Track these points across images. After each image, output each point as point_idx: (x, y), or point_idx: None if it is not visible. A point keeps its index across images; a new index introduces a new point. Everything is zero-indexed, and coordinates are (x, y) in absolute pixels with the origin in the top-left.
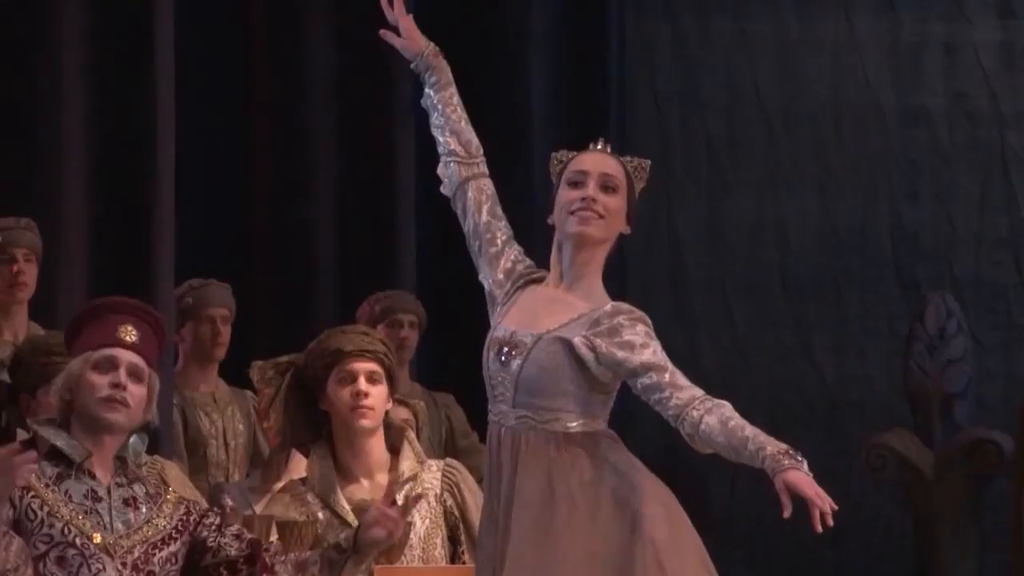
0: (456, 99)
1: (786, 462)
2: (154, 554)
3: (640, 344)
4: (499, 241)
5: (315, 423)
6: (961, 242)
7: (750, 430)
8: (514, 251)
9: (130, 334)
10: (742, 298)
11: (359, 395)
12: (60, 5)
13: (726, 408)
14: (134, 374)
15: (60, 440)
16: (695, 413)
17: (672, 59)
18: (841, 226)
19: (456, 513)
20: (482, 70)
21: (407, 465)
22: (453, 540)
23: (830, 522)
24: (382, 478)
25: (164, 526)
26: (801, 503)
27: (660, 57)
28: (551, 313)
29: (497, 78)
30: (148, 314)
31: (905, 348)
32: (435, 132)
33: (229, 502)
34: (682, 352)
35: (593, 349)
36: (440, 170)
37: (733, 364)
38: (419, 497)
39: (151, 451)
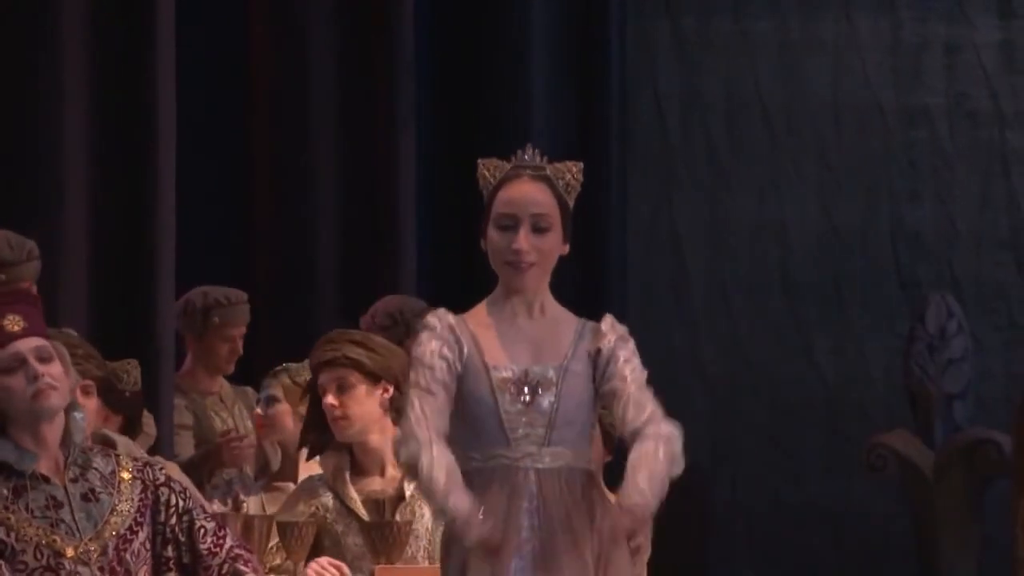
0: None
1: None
2: (125, 549)
3: (623, 357)
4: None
5: (321, 425)
6: (962, 242)
7: (643, 469)
8: (441, 377)
9: (16, 323)
10: (743, 298)
11: (330, 408)
12: (60, 8)
13: (651, 445)
14: (41, 357)
15: (4, 451)
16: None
17: (673, 60)
18: (842, 226)
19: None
20: (485, 70)
21: None
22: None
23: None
24: (394, 471)
25: (128, 511)
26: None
27: (661, 58)
28: (546, 344)
29: (500, 76)
30: (16, 294)
31: (905, 348)
32: None
33: (241, 496)
34: (683, 352)
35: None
36: None
37: (734, 364)
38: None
39: (152, 453)
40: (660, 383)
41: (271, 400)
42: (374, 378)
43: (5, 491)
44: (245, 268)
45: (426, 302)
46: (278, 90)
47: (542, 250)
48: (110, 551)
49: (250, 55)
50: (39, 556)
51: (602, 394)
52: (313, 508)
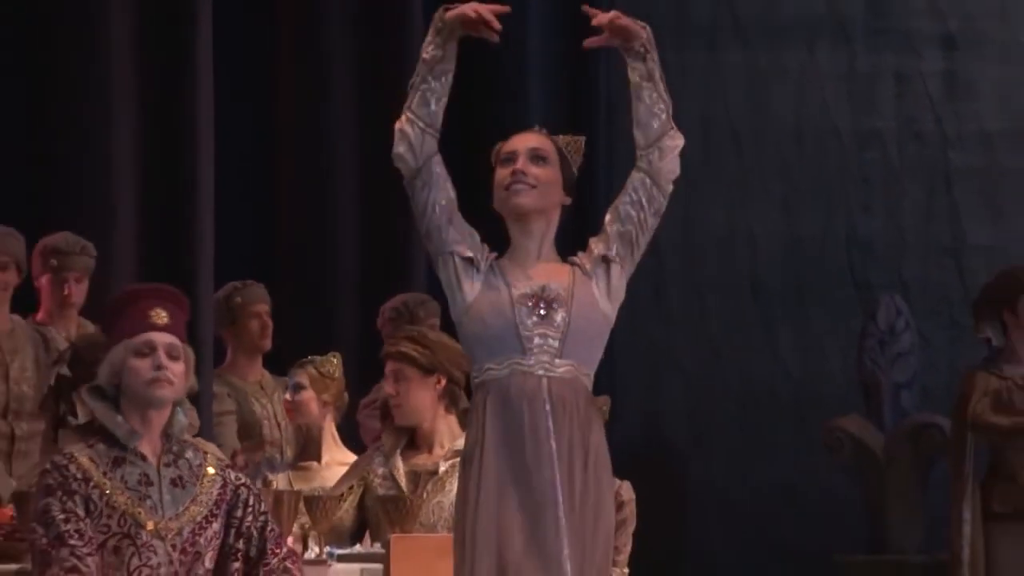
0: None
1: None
2: (200, 534)
3: (607, 223)
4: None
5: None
6: (909, 250)
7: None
8: (471, 242)
9: (161, 317)
10: (715, 299)
11: (389, 396)
12: (109, 34)
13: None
14: (171, 353)
15: (111, 422)
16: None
17: None
18: (803, 236)
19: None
20: (488, 108)
21: (462, 441)
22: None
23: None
24: (440, 451)
25: (206, 502)
26: None
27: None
28: (555, 274)
29: (500, 114)
30: (172, 294)
31: (859, 343)
32: (428, 96)
33: (269, 476)
34: (662, 346)
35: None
36: (412, 136)
37: (707, 360)
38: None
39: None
40: (641, 374)
41: (297, 388)
42: (426, 371)
43: (107, 459)
44: (274, 272)
45: (431, 296)
46: (302, 106)
47: (539, 176)
48: (185, 533)
49: (276, 68)
50: (122, 523)
51: (629, 204)
52: (364, 473)
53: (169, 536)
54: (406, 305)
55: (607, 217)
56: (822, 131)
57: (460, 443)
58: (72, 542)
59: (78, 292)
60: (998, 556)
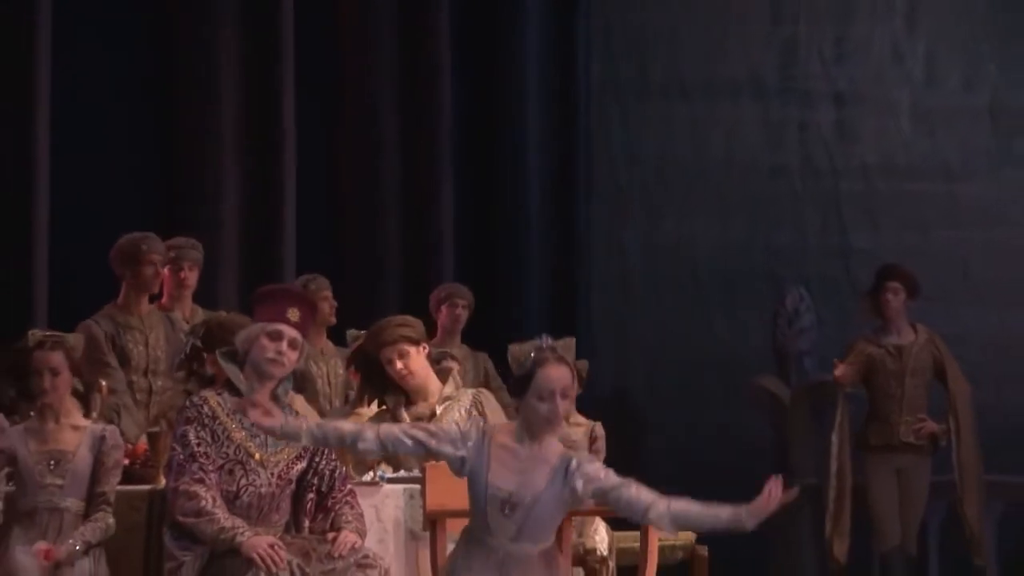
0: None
1: (744, 516)
2: (291, 468)
3: (604, 474)
4: (434, 445)
5: (376, 381)
6: (809, 254)
7: (709, 507)
8: (446, 437)
9: (294, 315)
10: (667, 290)
11: (399, 371)
12: (217, 57)
13: (674, 500)
14: (292, 345)
15: (236, 379)
16: (661, 505)
17: (622, 132)
18: (732, 243)
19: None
20: (495, 154)
21: (448, 390)
22: None
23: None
24: (432, 399)
25: (297, 447)
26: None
27: (615, 131)
28: (532, 474)
29: (504, 153)
30: (308, 301)
31: (773, 322)
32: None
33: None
34: (627, 326)
35: (579, 493)
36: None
37: (661, 335)
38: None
39: None
40: (610, 345)
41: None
42: (416, 343)
43: (230, 405)
44: (336, 265)
45: (465, 284)
46: (358, 126)
47: (567, 408)
48: (281, 465)
49: (342, 96)
50: (237, 453)
51: (608, 500)
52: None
53: (269, 466)
54: (452, 295)
55: (595, 488)
56: (745, 165)
57: (446, 390)
58: (201, 460)
59: (191, 278)
60: (872, 477)
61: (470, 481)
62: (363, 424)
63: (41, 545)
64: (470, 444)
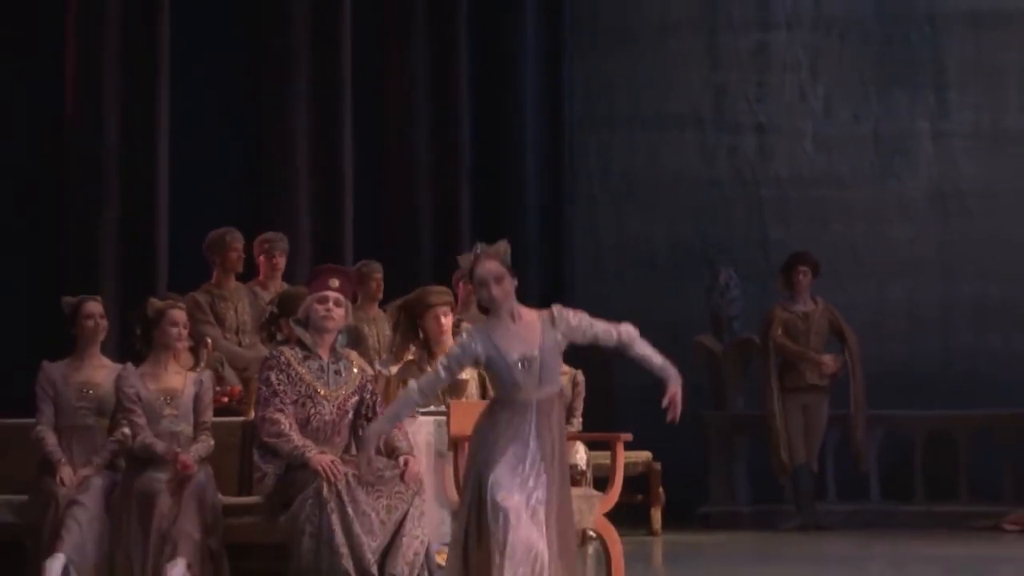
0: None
1: (674, 376)
2: (348, 400)
3: (577, 315)
4: (455, 362)
5: (415, 332)
6: (736, 244)
7: (654, 352)
8: (457, 352)
9: (334, 283)
10: (631, 274)
11: (446, 323)
12: (291, 80)
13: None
14: (337, 303)
15: (304, 337)
16: (625, 331)
17: (598, 153)
18: (680, 236)
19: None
20: (500, 167)
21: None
22: (483, 387)
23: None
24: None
25: (352, 385)
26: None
27: (592, 152)
28: (528, 336)
29: (505, 168)
30: (344, 272)
31: (707, 294)
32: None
33: (382, 371)
34: (599, 303)
35: (566, 338)
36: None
37: (626, 308)
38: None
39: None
40: (583, 308)
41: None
42: (452, 308)
43: (301, 355)
44: (384, 252)
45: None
46: (399, 153)
47: (505, 290)
48: (340, 398)
49: (388, 131)
50: (306, 391)
51: (585, 341)
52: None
53: (331, 400)
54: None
55: (578, 322)
56: (690, 178)
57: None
58: (280, 396)
59: (281, 263)
60: (788, 412)
61: (490, 365)
62: (407, 392)
63: (182, 456)
64: (476, 344)
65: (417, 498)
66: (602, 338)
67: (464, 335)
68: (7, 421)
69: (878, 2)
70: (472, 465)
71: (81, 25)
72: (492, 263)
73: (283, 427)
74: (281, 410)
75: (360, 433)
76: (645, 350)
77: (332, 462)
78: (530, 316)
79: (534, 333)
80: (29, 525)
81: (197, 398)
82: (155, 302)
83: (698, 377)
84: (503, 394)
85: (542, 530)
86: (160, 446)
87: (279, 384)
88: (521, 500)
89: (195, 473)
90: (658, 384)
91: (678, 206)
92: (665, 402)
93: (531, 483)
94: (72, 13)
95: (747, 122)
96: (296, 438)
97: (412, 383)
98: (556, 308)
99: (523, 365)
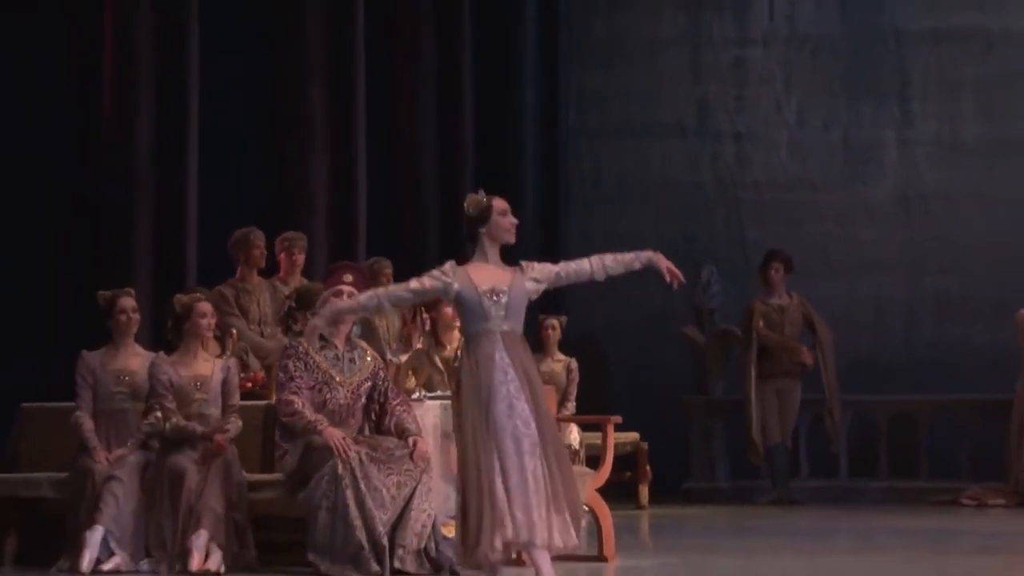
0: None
1: (653, 255)
2: (361, 387)
3: (543, 266)
4: (427, 285)
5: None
6: (718, 244)
7: (626, 256)
8: (431, 277)
9: (348, 279)
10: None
11: (451, 317)
12: (312, 108)
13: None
14: (351, 297)
15: (324, 328)
16: (595, 263)
17: (591, 159)
18: (665, 235)
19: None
20: (498, 162)
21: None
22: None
23: (681, 280)
24: (452, 346)
25: (365, 372)
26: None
27: (585, 158)
28: (501, 276)
29: (506, 173)
30: (357, 268)
31: (692, 288)
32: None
33: (392, 359)
34: (591, 296)
35: (536, 281)
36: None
37: (617, 300)
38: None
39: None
40: (581, 308)
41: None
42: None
43: (318, 345)
44: (394, 250)
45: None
46: (409, 158)
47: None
48: (354, 385)
49: (398, 137)
50: (322, 377)
51: (549, 285)
52: (417, 361)
53: (346, 386)
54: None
55: (544, 265)
56: (675, 183)
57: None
58: (297, 381)
59: (300, 260)
60: (763, 396)
61: (461, 296)
62: (375, 292)
63: (217, 436)
64: (450, 276)
65: (425, 475)
66: (575, 268)
67: (446, 266)
68: (49, 405)
69: (847, 20)
70: (469, 401)
71: (118, 37)
72: (502, 199)
73: (297, 406)
74: (296, 393)
75: (373, 417)
76: (619, 258)
77: (343, 438)
78: (505, 265)
79: (507, 275)
80: (68, 500)
81: (224, 383)
82: (181, 297)
83: (683, 364)
84: (471, 328)
85: (524, 460)
86: (198, 428)
87: (296, 371)
88: (510, 444)
89: (226, 452)
90: (644, 371)
91: (664, 208)
92: (667, 276)
93: (516, 407)
94: (108, 29)
95: (727, 131)
96: (309, 414)
97: (381, 289)
98: (523, 262)
99: (492, 297)
